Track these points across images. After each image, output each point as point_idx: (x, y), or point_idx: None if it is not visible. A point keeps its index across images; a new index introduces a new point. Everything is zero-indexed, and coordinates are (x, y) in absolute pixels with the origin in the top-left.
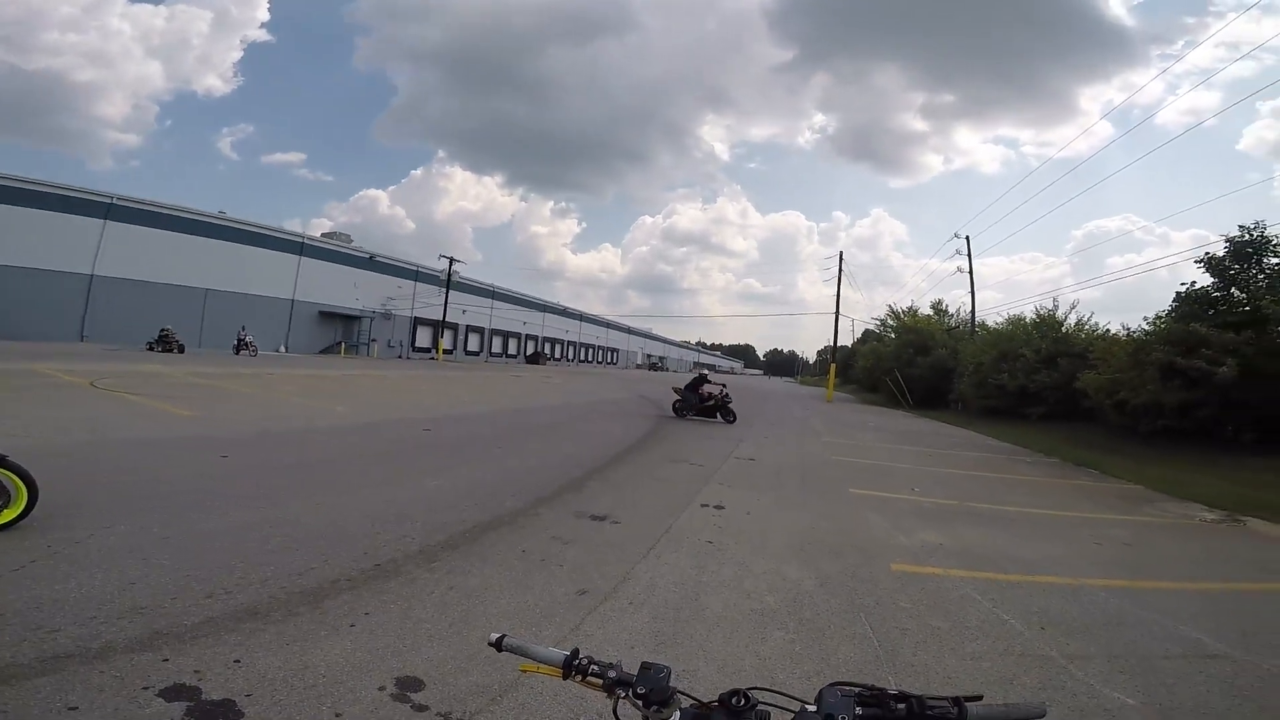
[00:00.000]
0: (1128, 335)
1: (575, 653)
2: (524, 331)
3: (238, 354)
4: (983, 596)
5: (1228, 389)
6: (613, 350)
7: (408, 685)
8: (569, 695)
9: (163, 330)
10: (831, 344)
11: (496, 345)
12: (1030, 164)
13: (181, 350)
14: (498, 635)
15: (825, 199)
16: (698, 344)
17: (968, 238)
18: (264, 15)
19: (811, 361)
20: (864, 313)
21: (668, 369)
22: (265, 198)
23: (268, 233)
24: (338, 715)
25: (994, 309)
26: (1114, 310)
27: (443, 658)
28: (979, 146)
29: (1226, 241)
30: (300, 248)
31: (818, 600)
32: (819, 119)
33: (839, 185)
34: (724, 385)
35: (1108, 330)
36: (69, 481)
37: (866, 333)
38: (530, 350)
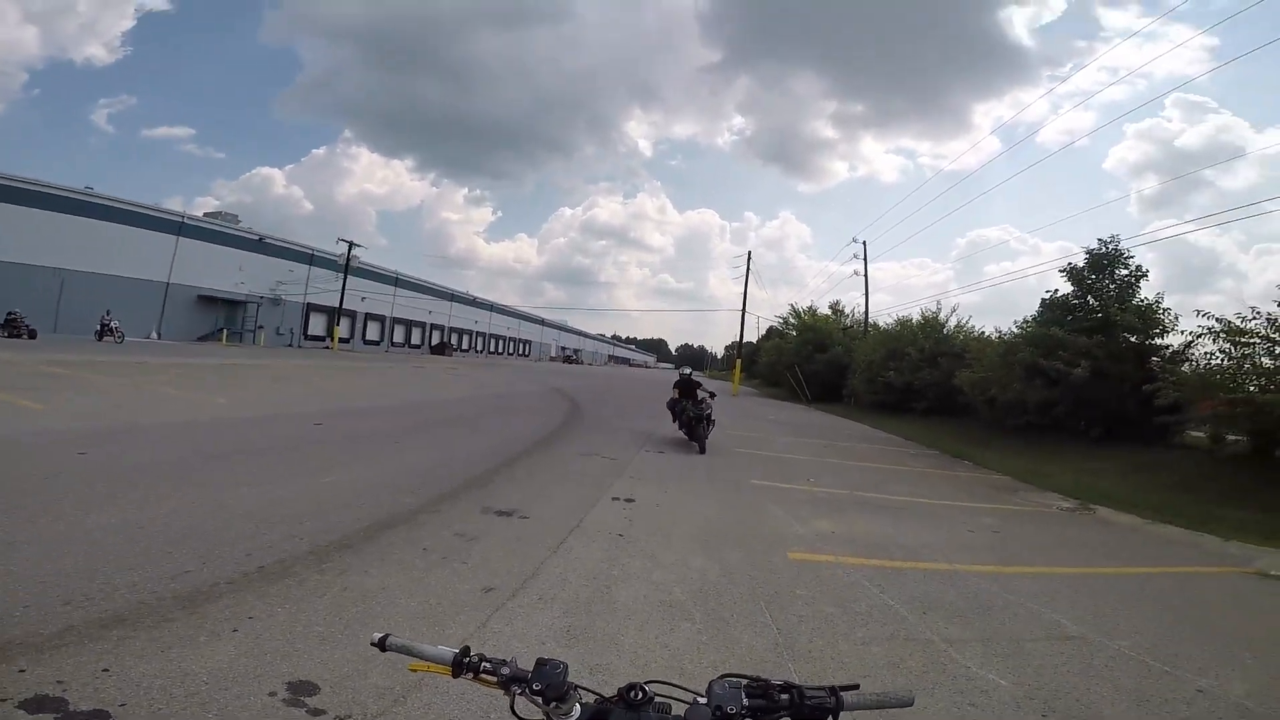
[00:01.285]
0: (999, 337)
1: (465, 650)
2: (429, 321)
3: (100, 340)
4: (871, 583)
5: (1081, 388)
6: (525, 342)
7: (301, 689)
8: (478, 694)
9: (9, 313)
10: (738, 340)
11: (399, 335)
12: (925, 174)
13: (33, 336)
14: (380, 635)
15: (739, 199)
16: (613, 337)
17: (864, 242)
18: None
19: (720, 356)
20: (769, 310)
21: (583, 361)
22: (146, 174)
23: (141, 210)
24: None
25: (886, 310)
26: (991, 314)
27: (338, 660)
28: (881, 155)
29: (1086, 253)
30: (179, 227)
31: (722, 590)
32: (738, 121)
33: (752, 186)
34: (711, 393)
35: (983, 332)
36: None
37: (770, 330)
38: (436, 340)
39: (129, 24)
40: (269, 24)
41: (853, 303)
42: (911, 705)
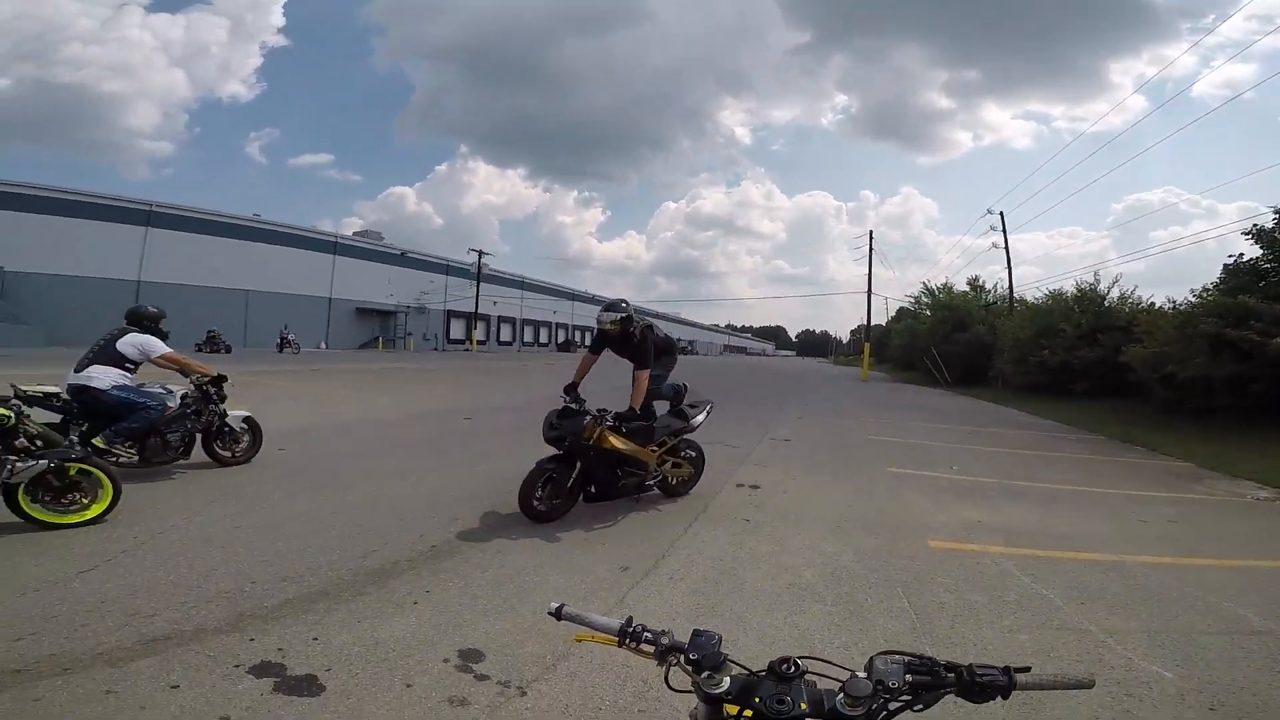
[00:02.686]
0: (1173, 308)
1: (629, 621)
2: (554, 320)
3: (281, 352)
4: (1022, 572)
5: None
6: None
7: (469, 657)
8: (616, 664)
9: (210, 332)
10: (865, 323)
11: (528, 335)
12: (1063, 139)
13: (228, 350)
14: (557, 605)
15: (852, 178)
16: (727, 327)
17: (1001, 214)
18: (279, 20)
19: (845, 341)
20: (897, 291)
21: (697, 352)
22: (297, 199)
23: (302, 233)
24: (408, 685)
25: (1033, 284)
26: (1159, 284)
27: (499, 630)
28: (1008, 122)
29: (1275, 212)
30: (334, 247)
31: (855, 575)
32: (840, 99)
33: (866, 164)
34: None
35: (1152, 303)
36: (140, 478)
37: (901, 310)
38: (561, 339)
39: (256, 60)
40: (379, 51)
41: (994, 277)
42: (1092, 686)
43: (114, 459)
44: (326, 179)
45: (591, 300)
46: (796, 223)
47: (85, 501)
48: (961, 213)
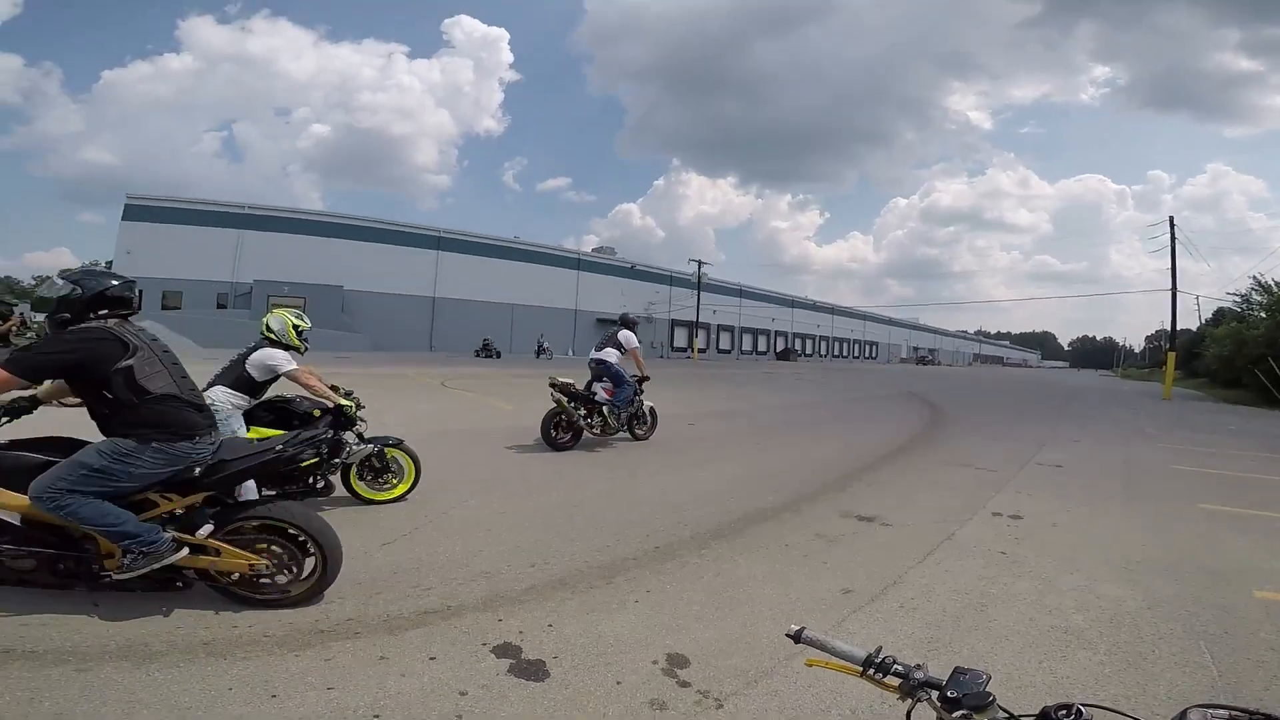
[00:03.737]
0: None
1: (877, 651)
2: (773, 328)
3: (538, 357)
4: None
5: None
6: (871, 344)
7: (676, 662)
8: (821, 687)
9: (485, 340)
10: (1168, 327)
11: (746, 343)
12: None
13: (499, 356)
14: (798, 627)
15: (1135, 158)
16: (978, 333)
17: None
18: (509, 57)
19: (1138, 350)
20: (1213, 287)
21: (939, 362)
22: (545, 220)
23: (551, 251)
24: (618, 683)
25: None
26: None
27: (709, 639)
28: None
29: None
30: (577, 263)
31: (1142, 623)
32: (1100, 71)
33: (1151, 141)
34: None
35: None
36: (434, 462)
37: (1220, 312)
38: (780, 347)
39: (500, 96)
40: (590, 77)
41: None
42: None
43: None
44: (566, 200)
45: (812, 307)
46: (1064, 212)
47: (395, 482)
48: None
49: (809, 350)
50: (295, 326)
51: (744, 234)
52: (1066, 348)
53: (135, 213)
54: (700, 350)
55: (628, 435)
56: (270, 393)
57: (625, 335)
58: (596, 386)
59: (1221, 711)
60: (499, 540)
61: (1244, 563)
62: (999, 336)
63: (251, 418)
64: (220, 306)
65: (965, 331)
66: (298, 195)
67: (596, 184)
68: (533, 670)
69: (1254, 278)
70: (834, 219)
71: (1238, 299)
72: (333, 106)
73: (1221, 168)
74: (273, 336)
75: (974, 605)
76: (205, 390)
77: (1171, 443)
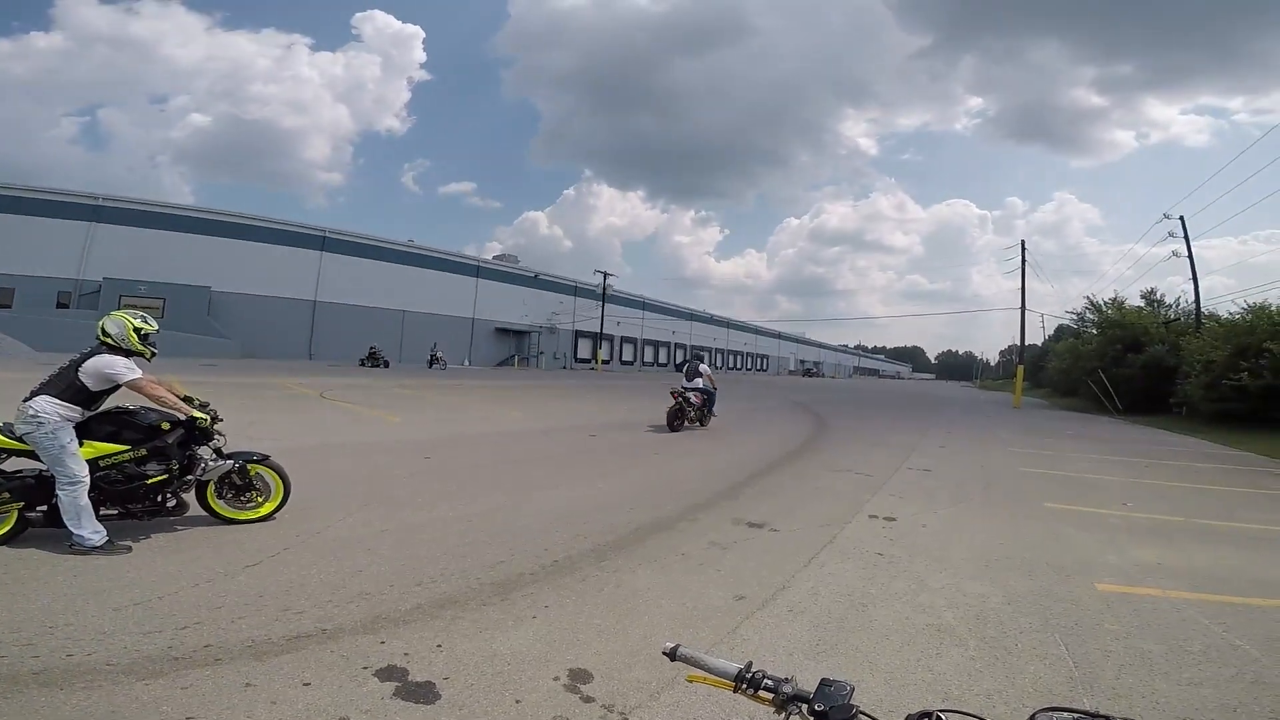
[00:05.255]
0: None
1: (748, 666)
2: (673, 340)
3: (431, 368)
4: (1211, 620)
5: None
6: (762, 357)
7: (579, 677)
8: (724, 699)
9: (371, 348)
10: (1017, 342)
11: (649, 355)
12: (1250, 133)
13: (386, 365)
14: (672, 645)
15: (996, 185)
16: (857, 348)
17: (1182, 218)
18: (421, 56)
19: (994, 363)
20: (1056, 306)
21: (823, 374)
22: (445, 225)
23: (449, 257)
24: (518, 702)
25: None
26: None
27: (610, 652)
28: (1177, 118)
29: None
30: (476, 270)
31: (1004, 618)
32: (975, 103)
33: (1010, 170)
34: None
35: None
36: (309, 479)
37: (1061, 329)
38: (680, 359)
39: (406, 95)
40: (506, 82)
41: (1174, 290)
42: None
43: None
44: (470, 206)
45: (709, 320)
46: (934, 235)
47: (260, 500)
48: (1128, 219)
49: (706, 362)
50: (137, 329)
51: (650, 247)
52: (934, 361)
53: None
54: (604, 361)
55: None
56: (109, 403)
57: (704, 367)
58: (690, 394)
59: (1066, 714)
60: (381, 559)
61: (1086, 558)
62: (876, 350)
63: (86, 431)
64: (61, 306)
65: (847, 345)
66: (166, 188)
67: (504, 190)
68: (422, 692)
69: (1088, 298)
70: (733, 235)
71: (1074, 317)
72: (217, 96)
73: (1066, 196)
74: (110, 341)
75: (856, 606)
76: (28, 400)
77: (1021, 447)
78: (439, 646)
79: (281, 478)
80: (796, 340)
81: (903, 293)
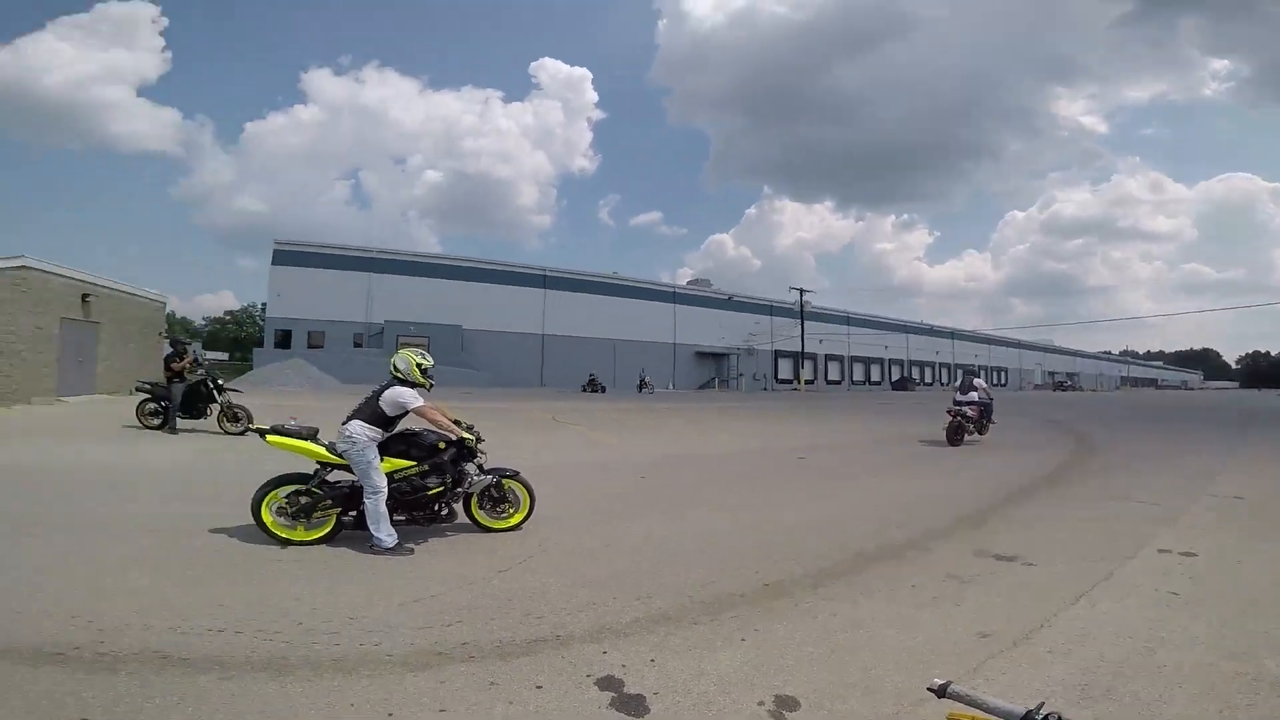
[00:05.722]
0: None
1: (1039, 707)
2: (886, 356)
3: (640, 392)
4: None
5: None
6: (999, 370)
7: (785, 704)
8: None
9: (590, 375)
10: None
11: (858, 372)
12: None
13: (603, 391)
14: (941, 681)
15: None
16: (1124, 354)
17: None
18: (593, 96)
19: None
20: None
21: (1080, 387)
22: (639, 255)
23: (648, 286)
24: None
25: None
26: None
27: (822, 682)
28: None
29: None
30: (673, 296)
31: None
32: (1219, 65)
33: None
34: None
35: None
36: (547, 493)
37: None
38: (896, 376)
39: (589, 135)
40: (669, 110)
41: None
42: None
43: None
44: (659, 234)
45: (929, 332)
46: (1210, 216)
47: (511, 512)
48: None
49: (928, 378)
50: (419, 365)
51: (847, 258)
52: (1234, 365)
53: (283, 257)
54: (807, 382)
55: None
56: (400, 426)
57: (978, 381)
58: (965, 408)
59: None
60: (606, 572)
61: None
62: (1150, 356)
63: (384, 449)
64: (356, 345)
65: (1109, 352)
66: (418, 239)
67: (687, 217)
68: (633, 705)
69: None
70: (945, 237)
71: None
72: (441, 153)
73: None
74: (399, 375)
75: (1139, 649)
76: (345, 424)
77: None
78: (652, 661)
79: (529, 492)
80: (1041, 349)
81: (1179, 285)
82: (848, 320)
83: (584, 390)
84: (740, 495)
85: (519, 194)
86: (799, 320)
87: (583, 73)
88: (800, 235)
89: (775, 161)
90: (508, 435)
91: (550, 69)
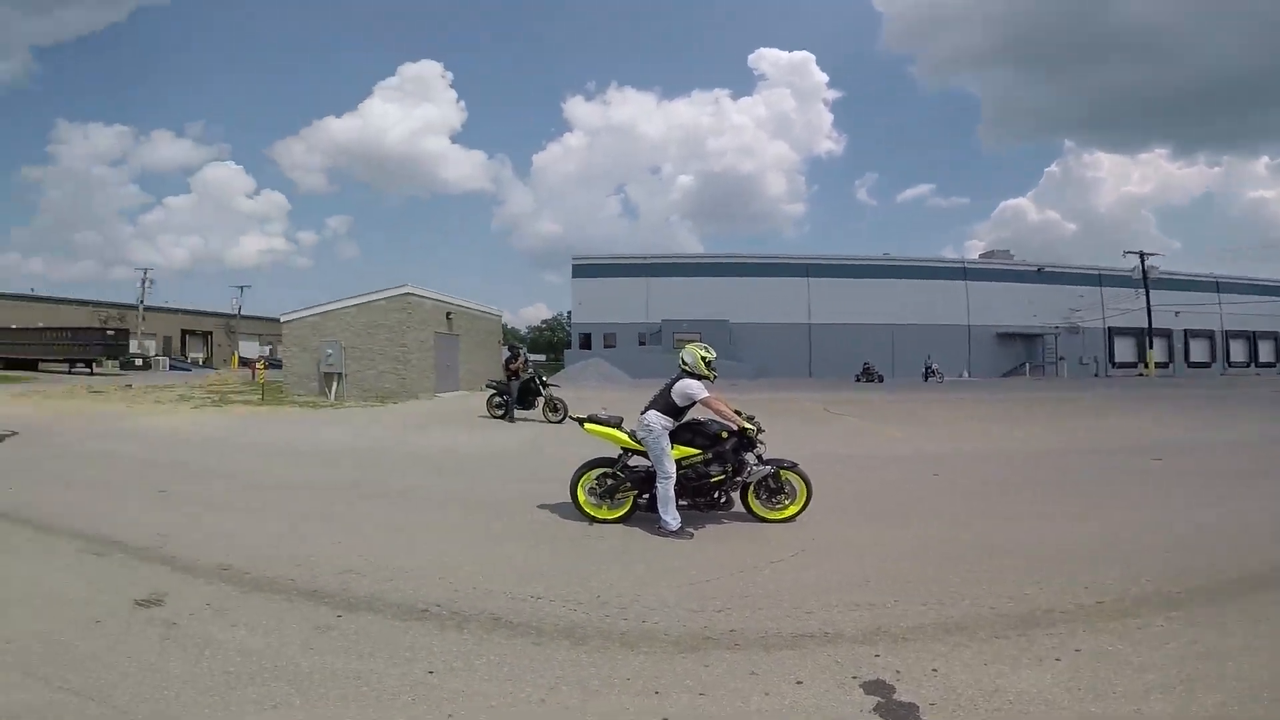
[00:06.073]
0: None
1: None
2: None
3: (926, 381)
4: None
5: None
6: None
7: None
8: None
9: (865, 364)
10: None
11: (1237, 352)
12: None
13: (881, 380)
14: None
15: None
16: None
17: None
18: (822, 77)
19: None
20: None
21: None
22: (911, 232)
23: (929, 264)
24: None
25: None
26: None
27: (1158, 712)
28: None
29: None
30: (963, 272)
31: None
32: None
33: None
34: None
35: None
36: (822, 486)
37: None
38: None
39: (828, 116)
40: (916, 78)
41: None
42: None
43: None
44: (933, 208)
45: None
46: None
47: (786, 503)
48: None
49: None
50: (704, 358)
51: (1203, 213)
52: None
53: (581, 270)
54: (1158, 364)
55: None
56: (687, 416)
57: None
58: None
59: None
60: (888, 572)
61: None
62: None
63: (673, 437)
64: (641, 344)
65: None
66: (682, 241)
67: (966, 185)
68: (903, 713)
69: None
70: None
71: None
72: (688, 157)
73: None
74: (686, 368)
75: None
76: (643, 413)
77: None
78: (934, 670)
79: (806, 484)
80: None
81: None
82: (1217, 286)
83: (857, 380)
84: (1063, 499)
85: (767, 186)
86: (1140, 290)
87: (804, 56)
88: (1128, 190)
89: (1074, 112)
90: (778, 426)
91: (769, 58)
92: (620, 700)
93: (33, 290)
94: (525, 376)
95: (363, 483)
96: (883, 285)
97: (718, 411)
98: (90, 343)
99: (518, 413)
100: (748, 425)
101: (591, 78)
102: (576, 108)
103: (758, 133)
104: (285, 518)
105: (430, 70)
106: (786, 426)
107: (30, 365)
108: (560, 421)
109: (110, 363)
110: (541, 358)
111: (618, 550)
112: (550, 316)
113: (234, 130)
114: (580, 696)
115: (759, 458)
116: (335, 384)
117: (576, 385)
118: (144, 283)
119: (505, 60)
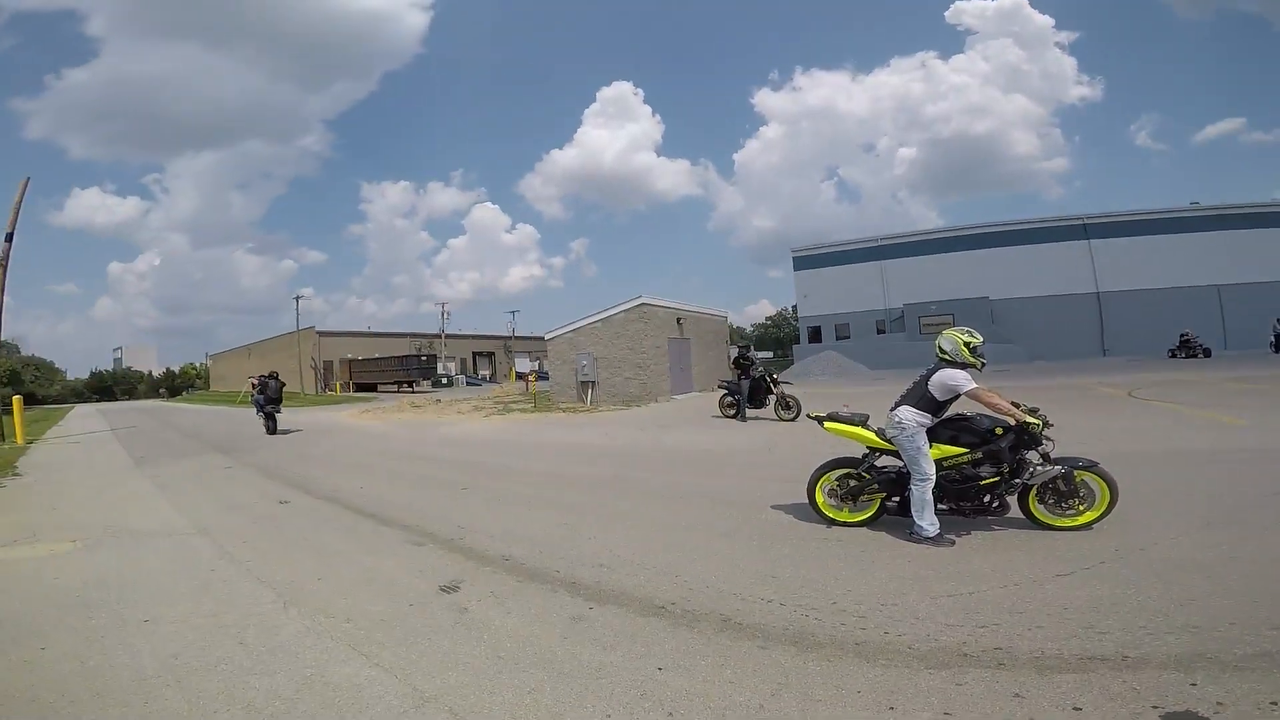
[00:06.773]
0: None
1: None
2: None
3: (1277, 351)
4: None
5: None
6: None
7: None
8: None
9: (1183, 335)
10: None
11: None
12: None
13: (1207, 354)
14: None
15: None
16: None
17: None
18: (1045, 20)
19: None
20: None
21: None
22: (1221, 176)
23: (1259, 209)
24: None
25: None
26: None
27: None
28: None
29: None
30: None
31: None
32: None
33: None
34: None
35: None
36: (1129, 488)
37: None
38: None
39: (1069, 59)
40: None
41: None
42: None
43: None
44: (1246, 145)
45: None
46: None
47: (1081, 508)
48: None
49: None
50: (967, 344)
51: None
52: None
53: (802, 262)
54: None
55: None
56: (951, 410)
57: None
58: None
59: None
60: (1224, 591)
61: None
62: None
63: (933, 435)
64: (879, 332)
65: None
66: (917, 217)
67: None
68: None
69: None
70: None
71: None
72: (905, 128)
73: None
74: (946, 356)
75: None
76: (893, 410)
77: None
78: (1273, 705)
79: (1109, 486)
80: None
81: None
82: None
83: (1172, 355)
84: None
85: (1011, 144)
86: None
87: (1013, 2)
88: None
89: None
90: (1066, 419)
91: (971, 11)
92: (846, 712)
93: (369, 328)
94: (756, 375)
95: (616, 480)
96: (1195, 240)
97: (990, 404)
98: (411, 368)
99: (749, 411)
100: (1029, 419)
101: (772, 67)
102: (766, 100)
103: (986, 90)
104: (555, 512)
105: (623, 90)
106: (1077, 419)
107: (371, 387)
108: (794, 419)
109: (425, 382)
110: (768, 354)
111: (860, 555)
112: (774, 312)
113: (486, 174)
114: (801, 705)
115: (1045, 456)
116: (590, 391)
117: (808, 381)
118: (443, 314)
119: (683, 67)
